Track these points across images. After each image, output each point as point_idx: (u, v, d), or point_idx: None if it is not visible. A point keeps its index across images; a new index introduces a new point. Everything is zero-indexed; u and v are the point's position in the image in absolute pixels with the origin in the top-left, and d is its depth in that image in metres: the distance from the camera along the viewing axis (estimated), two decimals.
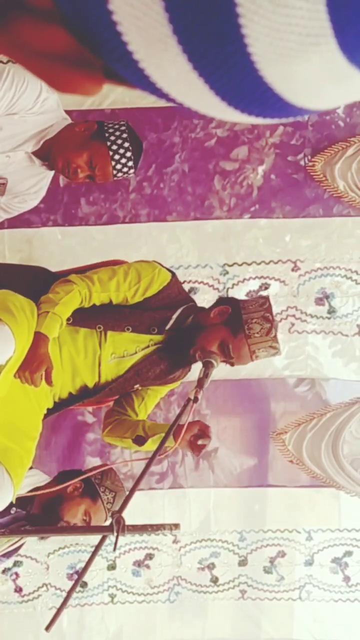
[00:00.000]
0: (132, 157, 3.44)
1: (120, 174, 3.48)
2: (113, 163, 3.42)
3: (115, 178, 3.52)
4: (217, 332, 3.33)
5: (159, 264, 3.49)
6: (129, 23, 0.59)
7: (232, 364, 3.37)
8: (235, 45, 0.57)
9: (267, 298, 3.47)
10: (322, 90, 0.62)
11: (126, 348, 3.38)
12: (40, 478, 3.79)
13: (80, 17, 0.61)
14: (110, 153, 3.42)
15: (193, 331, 3.36)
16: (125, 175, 3.52)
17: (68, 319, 3.29)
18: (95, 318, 3.35)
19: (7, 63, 3.51)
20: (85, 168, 3.46)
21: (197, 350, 3.28)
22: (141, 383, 3.47)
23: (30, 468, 3.54)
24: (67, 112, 3.67)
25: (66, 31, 0.63)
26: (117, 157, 3.43)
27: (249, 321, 3.31)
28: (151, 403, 3.63)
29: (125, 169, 3.46)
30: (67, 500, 3.57)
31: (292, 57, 0.57)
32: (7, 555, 3.84)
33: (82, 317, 3.34)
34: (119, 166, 3.44)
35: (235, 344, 3.30)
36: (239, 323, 3.32)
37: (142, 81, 0.64)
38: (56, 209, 4.51)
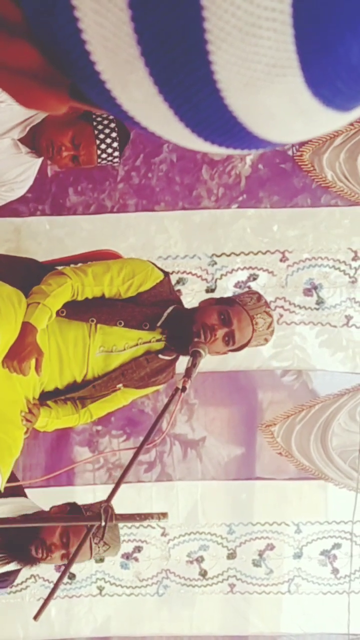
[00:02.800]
0: (118, 144, 3.46)
1: (104, 161, 3.49)
2: (98, 142, 3.43)
3: (99, 163, 3.52)
4: (211, 305, 3.43)
5: (153, 264, 3.54)
6: (97, 42, 0.59)
7: (233, 341, 3.37)
8: (201, 72, 0.57)
9: (259, 294, 3.54)
10: (286, 123, 0.62)
11: (115, 343, 3.41)
12: (27, 504, 3.79)
13: (49, 34, 0.61)
14: (96, 132, 3.43)
15: (187, 315, 3.42)
16: (110, 161, 3.52)
17: (61, 311, 3.33)
18: (88, 311, 3.39)
19: None
20: (69, 147, 3.46)
21: (199, 327, 3.31)
22: (125, 383, 3.51)
23: (17, 495, 3.56)
24: None
25: (34, 47, 0.63)
26: (102, 137, 3.44)
27: (240, 296, 3.42)
28: (112, 402, 3.65)
29: (110, 156, 3.47)
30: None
31: (257, 87, 0.57)
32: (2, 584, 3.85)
33: (75, 310, 3.38)
34: (103, 150, 3.45)
35: (233, 310, 3.36)
36: (230, 299, 3.43)
37: (107, 102, 0.64)
38: (44, 199, 4.53)
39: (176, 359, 3.55)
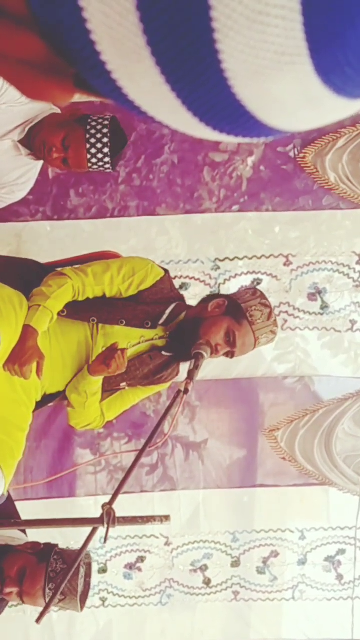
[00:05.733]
0: (109, 151, 3.47)
1: (95, 166, 3.51)
2: (88, 146, 3.45)
3: (91, 168, 3.54)
4: (221, 321, 3.40)
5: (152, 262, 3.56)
6: (103, 32, 0.58)
7: (232, 355, 3.42)
8: (209, 61, 0.57)
9: (255, 288, 3.55)
10: (296, 111, 0.61)
11: (118, 343, 3.44)
12: (15, 535, 3.78)
13: (54, 24, 0.60)
14: (87, 136, 3.45)
15: (193, 325, 3.42)
16: (101, 167, 3.53)
17: (62, 311, 3.35)
18: (89, 310, 3.41)
19: None
20: (59, 148, 3.48)
21: (203, 343, 3.32)
22: (128, 382, 3.52)
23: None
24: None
25: (39, 37, 0.63)
26: (93, 141, 3.45)
27: (249, 309, 3.38)
28: (122, 402, 3.67)
29: (100, 161, 3.49)
30: (14, 553, 3.59)
31: (266, 75, 0.57)
32: None
33: (76, 310, 3.40)
34: (93, 154, 3.46)
35: (240, 331, 3.37)
36: (240, 311, 3.40)
37: (113, 92, 0.63)
38: (45, 201, 4.57)
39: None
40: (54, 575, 3.42)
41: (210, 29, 0.55)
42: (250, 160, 4.70)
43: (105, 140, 3.46)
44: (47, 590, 3.39)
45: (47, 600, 3.33)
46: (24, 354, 3.16)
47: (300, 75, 0.57)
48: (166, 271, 3.54)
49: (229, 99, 0.60)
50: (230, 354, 3.42)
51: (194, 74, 0.58)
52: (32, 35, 0.63)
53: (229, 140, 0.66)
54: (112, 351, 3.29)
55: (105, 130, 3.47)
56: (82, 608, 3.50)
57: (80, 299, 3.40)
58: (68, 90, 0.67)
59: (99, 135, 3.46)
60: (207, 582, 5.11)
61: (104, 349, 3.39)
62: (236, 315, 3.39)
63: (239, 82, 0.58)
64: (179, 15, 0.55)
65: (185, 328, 3.43)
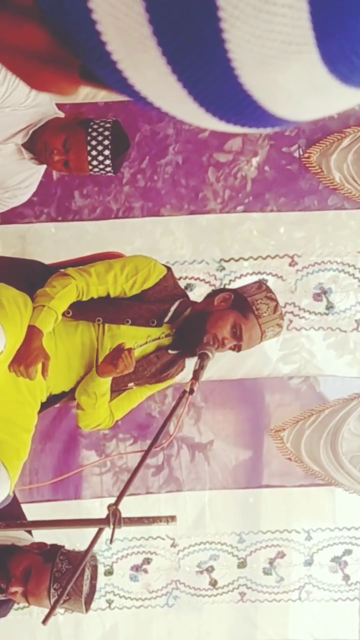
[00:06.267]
0: (110, 154, 3.46)
1: (96, 169, 3.50)
2: (89, 148, 3.45)
3: (92, 172, 3.54)
4: (227, 315, 3.41)
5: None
6: (108, 22, 0.59)
7: (239, 348, 3.43)
8: (215, 50, 0.57)
9: (260, 281, 3.56)
10: (302, 100, 0.61)
11: (124, 343, 3.44)
12: (22, 536, 3.78)
13: (59, 15, 0.61)
14: (88, 138, 3.45)
15: (199, 320, 3.43)
16: (102, 170, 3.53)
17: (67, 312, 3.36)
18: (94, 310, 3.41)
19: None
20: (60, 150, 3.49)
21: (210, 337, 3.34)
22: (136, 382, 3.53)
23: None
24: (60, 105, 3.73)
25: (44, 29, 0.63)
26: (94, 144, 3.45)
27: (255, 302, 3.38)
28: (130, 400, 3.67)
29: (100, 163, 3.48)
30: (20, 553, 3.59)
31: (272, 64, 0.57)
32: None
33: (81, 310, 3.41)
34: (94, 157, 3.46)
35: (247, 325, 3.38)
36: (246, 305, 3.41)
37: (119, 83, 0.64)
38: (49, 203, 4.58)
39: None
40: (59, 575, 3.41)
41: (216, 19, 0.55)
42: (255, 161, 4.71)
43: (107, 142, 3.46)
44: (52, 591, 3.39)
45: (52, 600, 3.34)
46: (29, 355, 3.17)
47: (307, 65, 0.57)
48: (169, 268, 3.55)
49: (236, 89, 0.60)
50: (237, 348, 3.43)
51: (200, 64, 0.58)
52: (37, 26, 0.63)
53: (234, 130, 0.66)
54: (119, 351, 3.31)
55: (106, 133, 3.47)
56: (87, 610, 3.50)
57: (85, 299, 3.41)
58: (74, 81, 0.67)
59: (100, 138, 3.46)
60: (214, 583, 5.11)
61: (110, 350, 3.40)
62: (242, 308, 3.40)
63: (245, 71, 0.58)
64: (185, 5, 0.56)
65: (192, 323, 3.44)
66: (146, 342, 3.47)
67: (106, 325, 3.43)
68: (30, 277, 3.51)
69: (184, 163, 4.66)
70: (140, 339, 3.45)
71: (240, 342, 3.39)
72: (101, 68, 0.63)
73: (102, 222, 4.64)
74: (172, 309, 3.46)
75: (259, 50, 0.56)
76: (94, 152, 3.46)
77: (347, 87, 0.60)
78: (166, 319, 3.45)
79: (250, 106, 0.62)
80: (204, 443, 4.91)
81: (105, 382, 3.39)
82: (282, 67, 0.57)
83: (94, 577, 3.54)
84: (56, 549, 3.57)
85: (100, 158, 3.47)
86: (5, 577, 3.49)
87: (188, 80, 0.60)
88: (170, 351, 3.50)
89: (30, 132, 3.58)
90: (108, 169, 3.51)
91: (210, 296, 3.57)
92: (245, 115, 0.63)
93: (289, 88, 0.59)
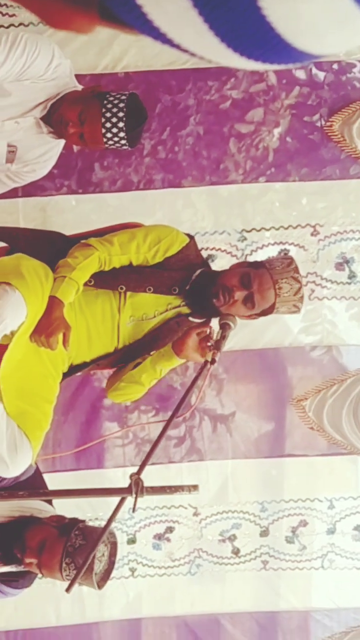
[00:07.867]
0: (125, 126, 3.44)
1: (110, 141, 3.49)
2: (103, 120, 3.43)
3: (107, 144, 3.52)
4: (238, 267, 3.46)
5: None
6: None
7: (253, 303, 3.35)
8: None
9: (292, 259, 3.52)
10: (326, 32, 0.60)
11: (145, 311, 3.46)
12: (42, 507, 3.79)
13: None
14: (103, 110, 3.44)
15: (209, 278, 3.44)
16: (117, 144, 3.51)
17: (89, 281, 3.37)
18: (117, 279, 3.43)
19: (18, 27, 3.55)
20: (76, 122, 3.48)
21: (219, 288, 3.34)
22: (157, 350, 3.52)
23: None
24: (80, 75, 3.71)
25: None
26: (108, 115, 3.44)
27: (279, 281, 3.34)
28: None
29: (115, 136, 3.47)
30: (38, 525, 3.61)
31: None
32: (13, 584, 3.81)
33: (103, 279, 3.42)
34: (108, 129, 3.44)
35: (256, 273, 3.36)
36: (259, 263, 3.43)
37: (138, 19, 0.62)
38: (70, 175, 4.55)
39: (209, 320, 3.54)
40: (72, 550, 3.42)
41: None
42: (277, 131, 4.68)
43: (121, 114, 3.44)
44: (64, 565, 3.41)
45: (64, 574, 3.39)
46: (50, 325, 3.19)
47: None
48: (191, 237, 3.56)
49: (259, 22, 0.59)
50: (250, 300, 3.35)
51: None
52: None
53: (255, 67, 0.65)
54: (206, 339, 3.30)
55: (121, 105, 3.45)
56: (100, 587, 3.51)
57: (107, 269, 3.42)
58: (92, 19, 0.67)
59: (114, 110, 3.44)
60: (236, 551, 5.14)
61: (131, 318, 3.43)
62: (255, 264, 3.44)
63: (269, 3, 0.57)
64: None
65: (202, 281, 3.44)
66: (166, 310, 3.48)
67: (128, 293, 3.44)
68: (51, 248, 3.52)
69: (205, 134, 4.64)
70: (160, 307, 3.47)
71: (251, 290, 3.32)
72: (120, 5, 0.62)
73: (123, 194, 4.62)
74: (194, 276, 3.47)
75: None
76: (108, 124, 3.45)
77: None
78: (188, 287, 3.46)
79: (274, 40, 0.60)
80: (226, 414, 4.92)
81: (178, 362, 3.41)
82: None
83: (112, 554, 3.56)
84: (74, 523, 3.58)
85: (115, 130, 3.45)
86: (22, 547, 3.52)
87: (210, 14, 0.59)
88: (191, 319, 3.50)
89: (49, 105, 3.58)
90: (123, 141, 3.50)
91: None
92: (267, 49, 0.62)
93: (313, 19, 0.58)
